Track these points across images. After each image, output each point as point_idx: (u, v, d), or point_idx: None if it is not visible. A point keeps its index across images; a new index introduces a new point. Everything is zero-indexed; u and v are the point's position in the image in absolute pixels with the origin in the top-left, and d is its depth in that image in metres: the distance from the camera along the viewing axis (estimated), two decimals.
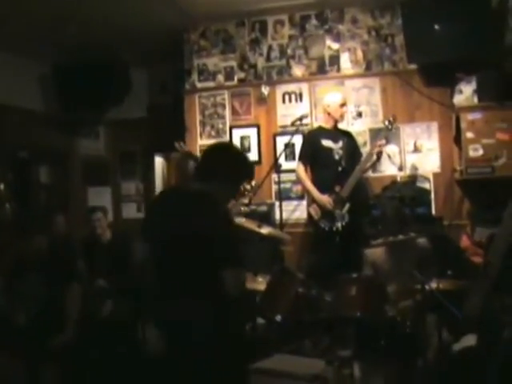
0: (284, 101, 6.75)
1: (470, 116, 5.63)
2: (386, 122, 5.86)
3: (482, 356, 3.27)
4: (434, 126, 6.33)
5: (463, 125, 5.64)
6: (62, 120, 7.74)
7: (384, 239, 4.85)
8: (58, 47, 6.95)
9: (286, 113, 6.68)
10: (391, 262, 4.77)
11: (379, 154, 5.89)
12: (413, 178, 6.28)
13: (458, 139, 5.89)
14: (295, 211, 6.57)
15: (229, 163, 3.40)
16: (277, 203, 6.23)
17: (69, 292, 4.92)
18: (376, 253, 4.87)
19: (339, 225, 5.58)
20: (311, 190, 5.87)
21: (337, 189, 5.67)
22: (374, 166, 6.20)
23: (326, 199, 5.70)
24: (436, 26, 5.80)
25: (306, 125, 6.39)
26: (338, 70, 6.66)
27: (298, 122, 5.99)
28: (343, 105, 5.98)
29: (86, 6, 5.98)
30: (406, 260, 4.69)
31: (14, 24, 6.28)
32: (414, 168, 6.32)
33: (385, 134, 5.90)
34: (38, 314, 4.77)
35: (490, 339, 3.29)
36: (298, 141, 6.20)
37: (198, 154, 6.79)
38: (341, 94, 6.09)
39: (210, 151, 3.58)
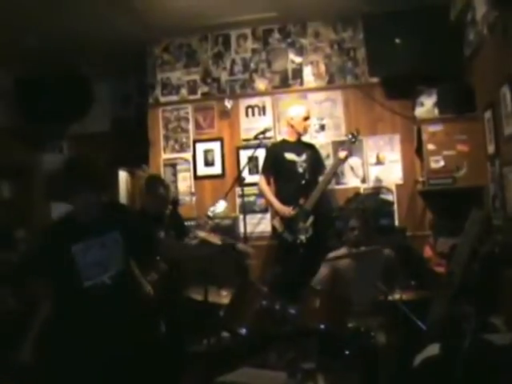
0: (247, 114, 6.77)
1: (431, 128, 5.69)
2: (350, 136, 5.90)
3: (445, 365, 3.29)
4: (396, 138, 6.41)
5: (424, 137, 5.69)
6: (25, 134, 7.65)
7: (348, 251, 4.88)
8: (19, 60, 6.88)
9: (250, 126, 6.70)
10: (355, 273, 4.78)
11: (344, 160, 5.90)
12: (377, 190, 6.33)
13: (419, 151, 5.94)
14: (259, 224, 6.57)
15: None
16: (241, 216, 6.23)
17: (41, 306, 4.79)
18: (341, 263, 4.88)
19: (303, 237, 5.58)
20: (272, 201, 5.86)
21: (301, 201, 5.67)
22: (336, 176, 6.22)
23: (285, 209, 5.70)
24: (397, 40, 5.88)
25: (270, 138, 6.39)
26: (301, 83, 6.72)
27: (262, 136, 5.97)
28: (307, 118, 5.98)
29: (48, 18, 5.95)
30: (370, 271, 4.70)
31: None
32: (378, 180, 6.37)
33: (348, 147, 5.92)
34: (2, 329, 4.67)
35: (452, 348, 3.30)
36: (261, 154, 6.20)
37: (162, 167, 6.80)
38: (304, 107, 6.10)
39: None
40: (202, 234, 4.95)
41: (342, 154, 5.82)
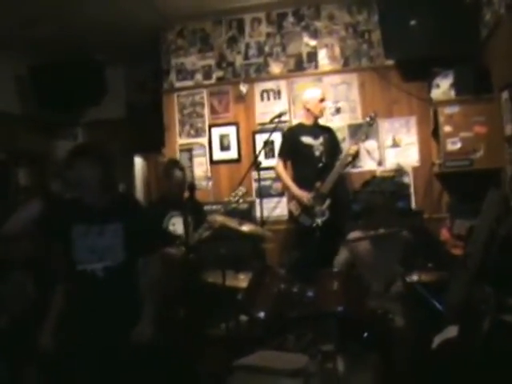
0: (262, 98, 6.76)
1: (448, 110, 5.64)
2: (368, 119, 5.87)
3: (464, 347, 3.29)
4: (413, 120, 6.38)
5: (441, 119, 5.65)
6: (40, 122, 7.68)
7: (366, 232, 4.86)
8: (33, 47, 6.90)
9: (265, 110, 6.69)
10: (375, 254, 4.77)
11: (355, 155, 5.90)
12: (393, 173, 6.30)
13: (436, 133, 5.91)
14: (276, 208, 6.58)
15: None
16: (257, 200, 6.24)
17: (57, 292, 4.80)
18: (360, 245, 4.87)
19: (319, 221, 5.55)
20: (290, 185, 5.88)
21: (317, 185, 5.67)
22: (352, 164, 6.18)
23: (303, 194, 5.71)
24: (412, 22, 5.83)
25: (285, 122, 6.39)
26: (316, 66, 6.69)
27: (277, 119, 5.95)
28: (322, 100, 5.97)
29: (62, 5, 5.95)
30: (390, 253, 4.70)
31: None
32: (399, 166, 6.32)
33: (366, 130, 5.92)
34: (23, 316, 4.68)
35: (471, 330, 3.30)
36: (277, 138, 6.22)
37: (178, 153, 6.80)
38: (320, 90, 6.09)
39: None
40: (219, 218, 4.97)
41: (353, 148, 5.81)
